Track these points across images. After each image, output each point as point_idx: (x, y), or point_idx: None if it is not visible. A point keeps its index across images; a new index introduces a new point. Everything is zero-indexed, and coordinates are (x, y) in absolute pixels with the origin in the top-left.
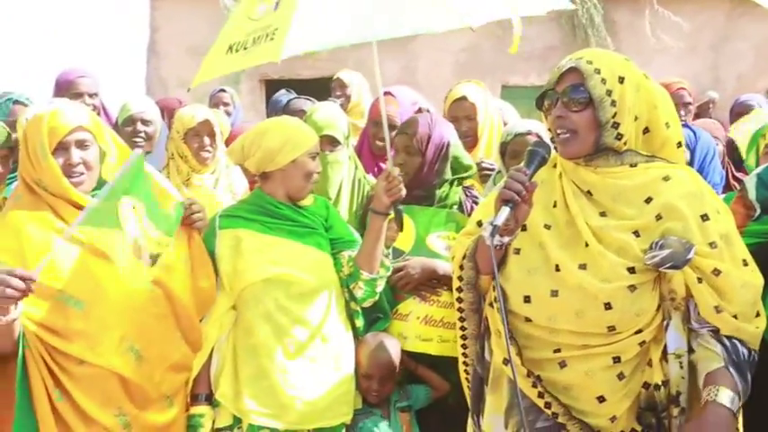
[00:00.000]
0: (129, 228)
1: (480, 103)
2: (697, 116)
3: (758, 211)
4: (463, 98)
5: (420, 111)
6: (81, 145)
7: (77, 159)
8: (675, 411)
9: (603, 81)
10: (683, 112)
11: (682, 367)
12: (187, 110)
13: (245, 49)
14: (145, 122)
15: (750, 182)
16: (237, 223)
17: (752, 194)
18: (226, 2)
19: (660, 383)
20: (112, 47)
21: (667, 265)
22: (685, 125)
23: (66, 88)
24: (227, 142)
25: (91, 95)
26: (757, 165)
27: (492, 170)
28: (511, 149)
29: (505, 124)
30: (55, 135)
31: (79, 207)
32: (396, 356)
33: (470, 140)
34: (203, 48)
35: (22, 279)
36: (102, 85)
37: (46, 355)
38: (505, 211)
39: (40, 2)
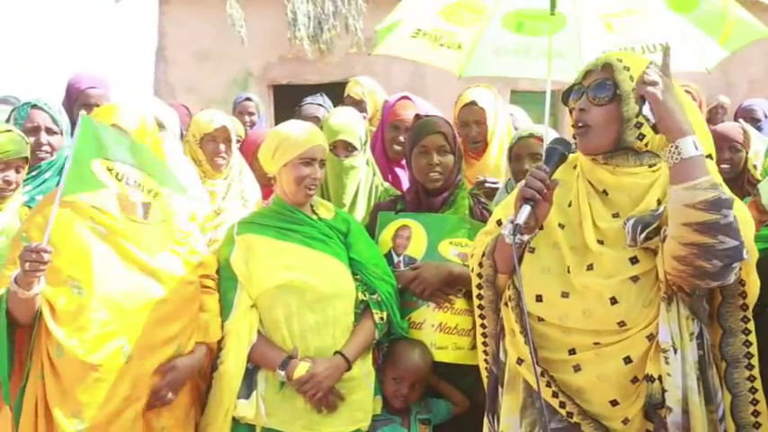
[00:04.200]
0: (111, 186)
1: (490, 108)
2: (708, 121)
3: None
4: (473, 102)
5: (418, 116)
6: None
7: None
8: (663, 412)
9: (632, 78)
10: None
11: (667, 363)
12: (205, 114)
13: (432, 41)
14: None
15: (764, 186)
16: (252, 229)
17: (765, 199)
18: (232, 9)
19: (654, 376)
20: (121, 51)
21: (640, 231)
22: None
23: (75, 97)
24: (240, 148)
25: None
26: None
27: (497, 188)
28: (515, 152)
29: (516, 129)
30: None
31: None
32: (429, 364)
33: (480, 145)
34: (210, 52)
35: (37, 251)
36: (112, 89)
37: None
38: (526, 209)
39: (48, 5)
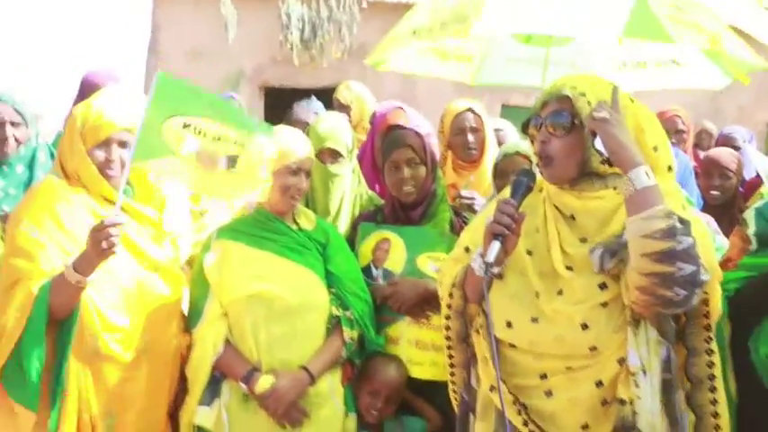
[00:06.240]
0: (189, 146)
1: (484, 116)
2: (695, 146)
3: (754, 245)
4: (469, 110)
5: (391, 127)
6: (122, 145)
7: (116, 157)
8: None
9: (589, 104)
10: (674, 140)
11: (637, 386)
12: None
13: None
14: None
15: (749, 215)
16: (229, 235)
17: (751, 229)
18: (226, 6)
19: (626, 399)
20: (114, 44)
21: (608, 260)
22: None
23: (90, 91)
24: None
25: None
26: None
27: (472, 201)
28: (499, 170)
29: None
30: (101, 132)
31: (108, 200)
32: (404, 378)
33: (477, 153)
34: (203, 50)
35: (113, 225)
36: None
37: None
38: (496, 246)
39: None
